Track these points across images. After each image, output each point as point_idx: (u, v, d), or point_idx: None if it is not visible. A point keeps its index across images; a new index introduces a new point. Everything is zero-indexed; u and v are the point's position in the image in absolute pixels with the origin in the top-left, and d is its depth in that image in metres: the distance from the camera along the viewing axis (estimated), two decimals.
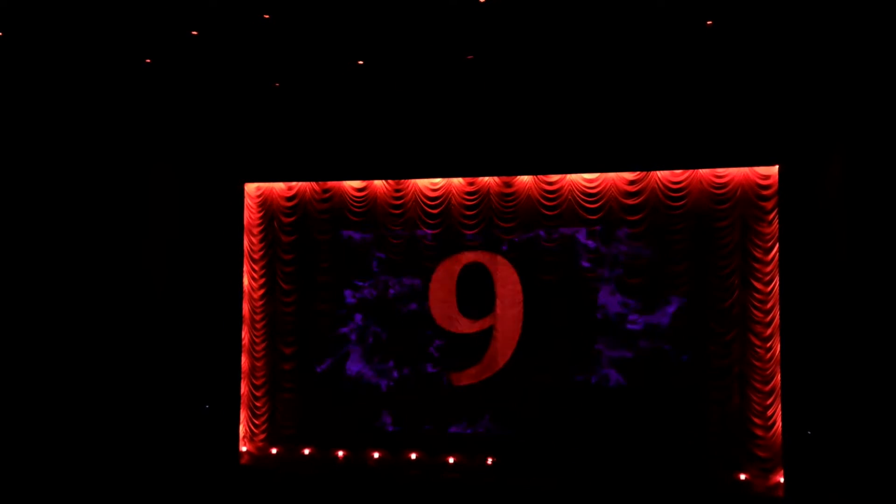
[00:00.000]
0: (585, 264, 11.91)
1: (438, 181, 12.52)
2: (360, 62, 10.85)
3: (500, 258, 12.22)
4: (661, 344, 11.58)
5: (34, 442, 11.74)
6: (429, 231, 12.47)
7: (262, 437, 12.96)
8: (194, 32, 9.82)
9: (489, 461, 12.05)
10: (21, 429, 11.73)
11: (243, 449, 12.96)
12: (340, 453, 12.61)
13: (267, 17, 9.35)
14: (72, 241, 12.27)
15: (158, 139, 12.80)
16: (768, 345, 11.17)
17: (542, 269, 12.05)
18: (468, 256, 12.36)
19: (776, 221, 11.17)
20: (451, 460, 12.20)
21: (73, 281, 12.22)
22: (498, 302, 12.19)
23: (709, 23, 9.36)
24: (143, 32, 9.90)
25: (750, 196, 11.32)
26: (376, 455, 12.48)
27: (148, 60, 10.76)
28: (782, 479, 11.00)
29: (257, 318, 13.05)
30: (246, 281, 13.11)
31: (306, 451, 12.72)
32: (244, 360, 13.04)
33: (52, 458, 11.73)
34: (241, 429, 12.99)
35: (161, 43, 10.28)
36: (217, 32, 9.92)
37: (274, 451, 12.86)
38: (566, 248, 11.99)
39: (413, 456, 12.36)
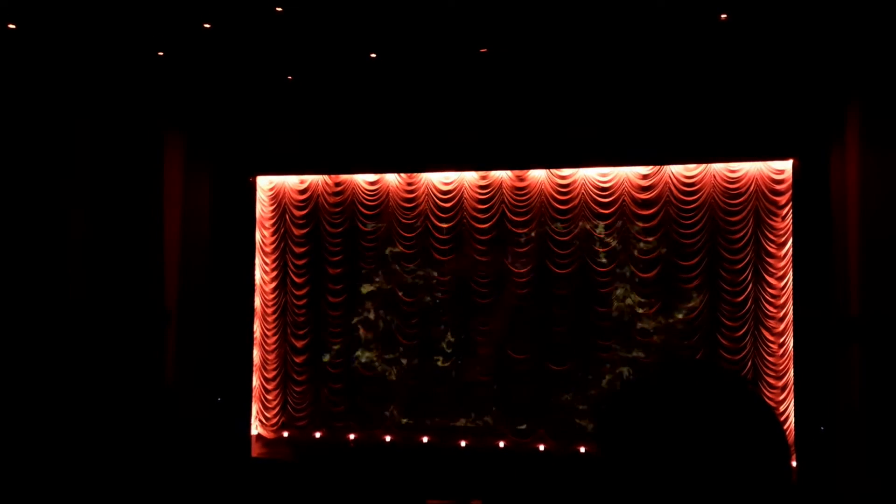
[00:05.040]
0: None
1: (451, 176, 12.51)
2: (373, 55, 10.83)
3: None
4: (674, 339, 11.57)
5: (53, 434, 11.80)
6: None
7: (272, 429, 13.01)
8: (207, 25, 9.82)
9: (502, 444, 12.09)
10: (37, 422, 11.79)
11: (255, 433, 13.03)
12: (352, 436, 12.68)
13: (279, 10, 9.33)
14: (84, 234, 12.27)
15: (170, 133, 12.80)
16: (781, 340, 11.13)
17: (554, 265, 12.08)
18: None
19: (790, 216, 11.11)
20: (462, 444, 12.24)
21: (88, 274, 12.23)
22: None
23: (723, 16, 9.30)
24: (156, 25, 9.90)
25: (763, 190, 11.26)
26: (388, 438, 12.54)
27: (160, 53, 10.77)
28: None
29: (269, 311, 13.08)
30: (258, 274, 13.14)
31: (317, 435, 12.77)
32: (256, 353, 13.09)
33: (70, 450, 11.80)
34: (252, 421, 13.04)
35: (173, 36, 10.28)
36: (229, 25, 9.91)
37: (286, 434, 12.92)
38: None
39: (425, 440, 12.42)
